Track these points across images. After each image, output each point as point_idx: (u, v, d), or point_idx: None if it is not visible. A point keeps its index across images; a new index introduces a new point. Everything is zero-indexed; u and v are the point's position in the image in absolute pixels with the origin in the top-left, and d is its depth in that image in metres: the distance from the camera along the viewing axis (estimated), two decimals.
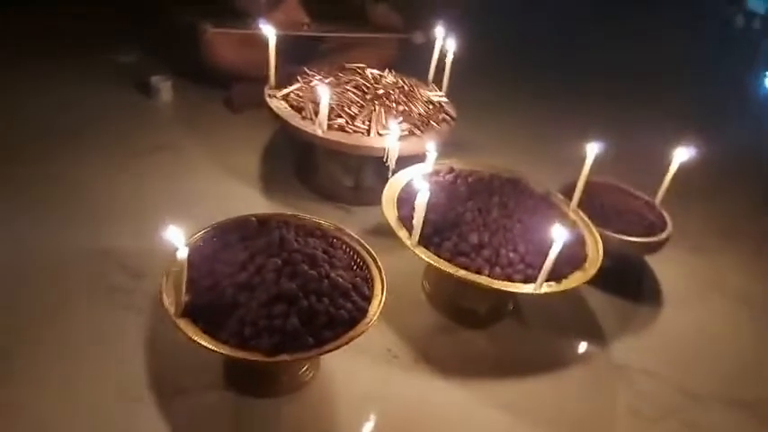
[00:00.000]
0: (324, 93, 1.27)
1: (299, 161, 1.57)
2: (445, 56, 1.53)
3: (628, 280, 1.36)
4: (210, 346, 0.78)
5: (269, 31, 1.40)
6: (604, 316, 1.26)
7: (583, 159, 1.17)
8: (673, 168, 1.33)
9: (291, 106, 1.40)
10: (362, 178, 1.48)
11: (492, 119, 2.03)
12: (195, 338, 0.78)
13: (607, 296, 1.31)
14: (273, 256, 0.89)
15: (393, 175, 1.27)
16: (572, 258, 1.07)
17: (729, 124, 2.29)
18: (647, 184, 1.38)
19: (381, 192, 1.16)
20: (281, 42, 1.86)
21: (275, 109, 1.38)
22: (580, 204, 1.24)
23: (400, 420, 0.97)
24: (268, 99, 1.42)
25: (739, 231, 1.62)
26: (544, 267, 0.96)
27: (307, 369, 0.99)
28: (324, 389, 1.00)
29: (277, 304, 0.82)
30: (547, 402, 1.05)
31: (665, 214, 1.34)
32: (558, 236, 0.92)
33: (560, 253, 1.04)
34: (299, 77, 1.50)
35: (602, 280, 1.26)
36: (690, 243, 1.51)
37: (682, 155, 1.31)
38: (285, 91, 1.44)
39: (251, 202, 1.45)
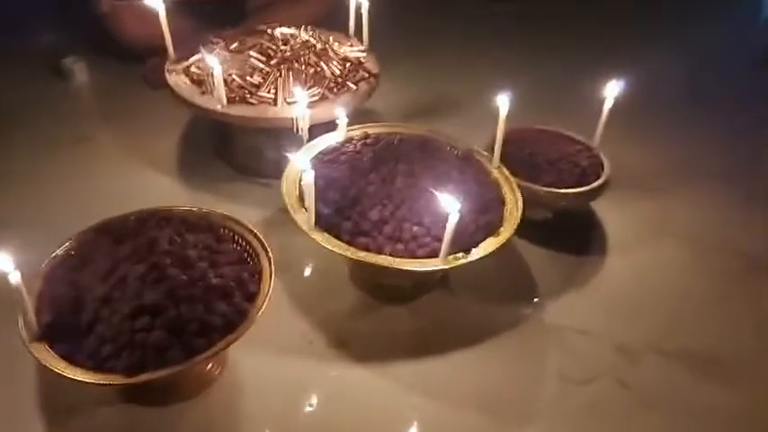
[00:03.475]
0: (214, 62, 1.15)
1: (218, 139, 1.47)
2: (361, 4, 1.40)
3: (571, 232, 1.28)
4: (64, 373, 0.71)
5: (156, 3, 1.27)
6: (543, 274, 1.19)
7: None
8: (608, 105, 1.22)
9: (192, 81, 1.29)
10: (283, 148, 1.37)
11: (423, 67, 1.89)
12: (46, 365, 0.72)
13: (548, 251, 1.23)
14: (139, 261, 0.81)
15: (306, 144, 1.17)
16: (488, 224, 0.99)
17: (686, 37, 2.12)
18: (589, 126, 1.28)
19: None
20: (198, 7, 1.73)
21: (173, 86, 1.27)
22: (506, 157, 1.15)
23: (315, 411, 0.92)
24: (167, 75, 1.30)
25: (694, 170, 1.51)
26: (444, 241, 0.87)
27: (212, 367, 0.94)
28: (234, 384, 0.95)
29: (140, 317, 0.75)
30: (472, 377, 0.99)
31: (604, 158, 1.24)
32: (450, 208, 0.83)
33: (473, 220, 0.97)
34: (201, 47, 1.37)
35: (543, 234, 1.19)
36: (639, 185, 1.42)
37: (613, 88, 1.20)
38: (185, 64, 1.32)
39: (168, 192, 1.35)
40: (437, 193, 0.90)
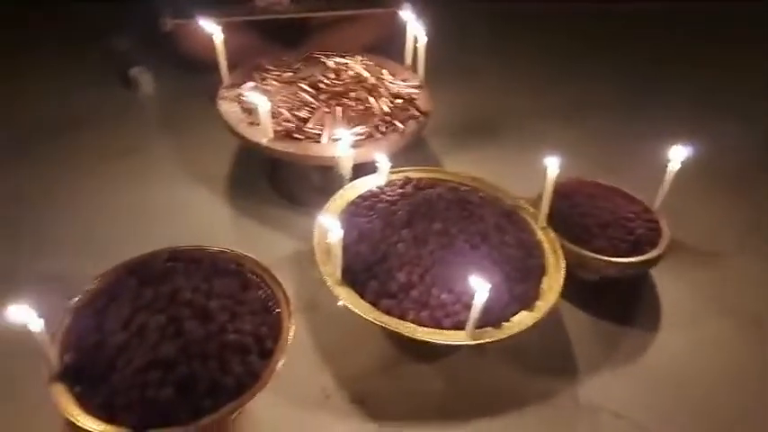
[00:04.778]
0: (261, 100, 1.15)
1: (268, 163, 1.47)
2: (418, 38, 1.36)
3: (619, 297, 1.19)
4: (77, 422, 0.73)
5: (212, 27, 1.28)
6: (583, 341, 1.11)
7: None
8: (672, 168, 1.13)
9: (242, 109, 1.30)
10: (330, 180, 1.36)
11: (475, 105, 1.80)
12: (62, 411, 0.73)
13: (591, 317, 1.15)
14: (159, 311, 0.82)
15: (349, 182, 1.16)
16: (524, 294, 0.93)
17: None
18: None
19: None
20: (262, 25, 1.74)
21: (223, 113, 1.28)
22: (554, 213, 1.08)
23: None
24: (219, 101, 1.32)
25: (761, 243, 1.36)
26: (470, 317, 0.83)
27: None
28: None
29: (152, 371, 0.76)
30: None
31: (663, 224, 1.14)
32: (479, 287, 0.78)
33: (508, 289, 0.91)
34: (255, 74, 1.38)
35: (588, 295, 1.12)
36: (699, 254, 1.30)
37: (679, 152, 1.11)
38: (237, 91, 1.33)
39: (211, 211, 1.38)
40: (469, 264, 0.85)
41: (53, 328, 0.80)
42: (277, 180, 1.43)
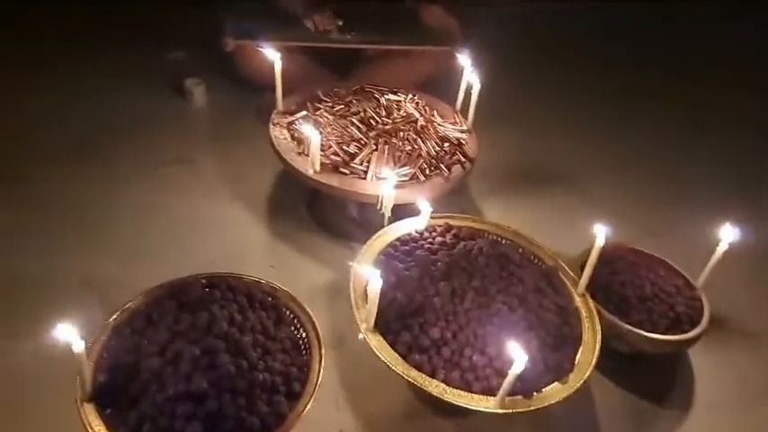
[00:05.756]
0: (313, 132, 1.16)
1: (307, 189, 1.48)
2: (472, 86, 1.37)
3: (655, 373, 1.15)
4: None
5: (273, 54, 1.31)
6: (612, 418, 1.07)
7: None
8: (721, 248, 1.10)
9: (292, 137, 1.31)
10: (369, 214, 1.37)
11: (523, 152, 1.79)
12: (90, 429, 0.74)
13: (624, 391, 1.11)
14: (195, 341, 0.82)
15: (388, 224, 1.16)
16: (558, 365, 0.91)
17: None
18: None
19: None
20: (316, 50, 1.77)
21: (273, 139, 1.30)
22: (593, 280, 1.06)
23: None
24: (271, 127, 1.34)
25: None
26: (504, 384, 0.81)
27: None
28: None
29: (183, 403, 0.76)
30: None
31: (705, 303, 1.11)
32: (516, 355, 0.77)
33: (543, 359, 0.90)
34: (308, 103, 1.40)
35: (622, 368, 1.09)
36: (744, 336, 1.26)
37: (729, 233, 1.08)
38: (289, 119, 1.35)
39: (249, 232, 1.39)
40: (505, 328, 0.84)
41: (89, 342, 0.82)
42: (316, 207, 1.44)
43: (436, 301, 0.94)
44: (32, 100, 1.74)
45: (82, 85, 1.83)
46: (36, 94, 1.77)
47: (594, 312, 1.02)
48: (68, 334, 0.71)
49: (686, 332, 1.06)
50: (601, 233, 0.98)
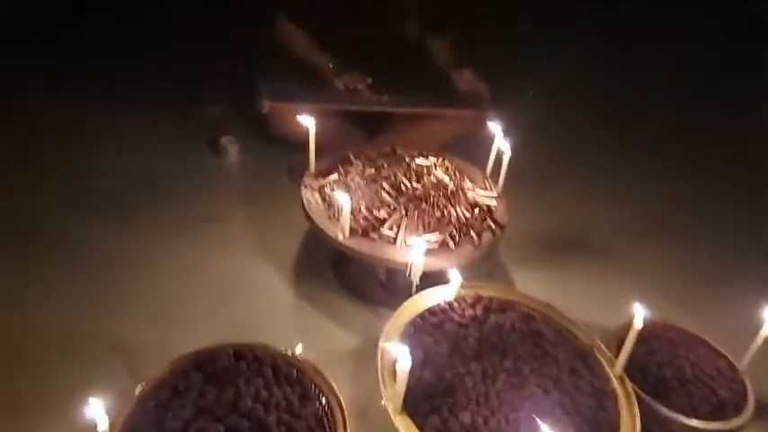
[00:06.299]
0: (344, 199, 1.17)
1: (337, 253, 1.48)
2: (503, 153, 1.37)
3: None
4: None
5: (307, 120, 1.34)
6: None
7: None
8: (765, 331, 1.05)
9: (323, 200, 1.32)
10: (396, 279, 1.35)
11: (553, 218, 1.76)
12: None
13: None
14: (220, 418, 0.81)
15: (417, 290, 1.14)
16: None
17: None
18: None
19: None
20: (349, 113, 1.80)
21: (304, 201, 1.31)
22: (630, 360, 1.02)
23: None
24: (303, 189, 1.35)
25: None
26: None
27: None
28: None
29: None
30: None
31: (749, 388, 1.05)
32: None
33: None
34: (339, 166, 1.42)
35: None
36: None
37: None
38: (321, 182, 1.37)
39: (275, 294, 1.39)
40: (539, 412, 0.80)
41: (112, 416, 0.81)
42: (344, 271, 1.44)
43: (467, 380, 0.91)
44: (74, 152, 1.80)
45: (119, 137, 1.90)
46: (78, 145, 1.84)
47: (633, 395, 0.97)
48: (95, 410, 0.70)
49: (730, 419, 1.00)
50: (639, 313, 0.94)
